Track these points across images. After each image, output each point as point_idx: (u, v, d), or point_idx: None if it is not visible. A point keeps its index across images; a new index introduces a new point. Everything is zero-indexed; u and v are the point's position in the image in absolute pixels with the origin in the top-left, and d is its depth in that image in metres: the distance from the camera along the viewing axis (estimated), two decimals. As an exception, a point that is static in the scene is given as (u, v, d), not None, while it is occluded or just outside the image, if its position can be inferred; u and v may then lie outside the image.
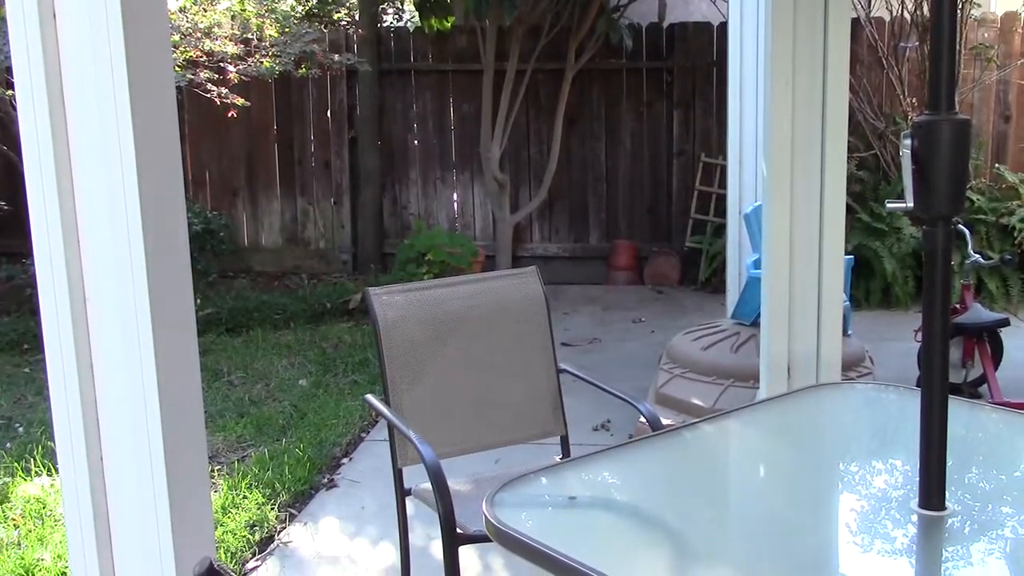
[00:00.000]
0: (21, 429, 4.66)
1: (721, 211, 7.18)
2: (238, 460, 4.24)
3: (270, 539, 3.58)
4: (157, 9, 1.95)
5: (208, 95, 6.66)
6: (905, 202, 1.60)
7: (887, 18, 7.33)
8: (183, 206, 2.04)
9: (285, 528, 3.66)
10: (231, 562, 3.37)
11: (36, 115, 1.90)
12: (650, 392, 4.66)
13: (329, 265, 8.26)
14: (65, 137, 1.91)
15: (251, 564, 3.40)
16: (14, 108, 2.04)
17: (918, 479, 1.63)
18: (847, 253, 3.45)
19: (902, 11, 7.19)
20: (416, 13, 7.87)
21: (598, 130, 8.02)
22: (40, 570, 3.30)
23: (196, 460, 2.10)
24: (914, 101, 7.23)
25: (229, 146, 8.21)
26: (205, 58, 6.58)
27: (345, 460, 4.32)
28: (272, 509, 3.74)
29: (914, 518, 1.64)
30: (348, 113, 8.12)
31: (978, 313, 4.89)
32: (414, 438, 2.48)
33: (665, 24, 7.65)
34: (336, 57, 7.29)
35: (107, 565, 2.06)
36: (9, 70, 2.10)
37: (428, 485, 2.48)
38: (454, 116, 8.13)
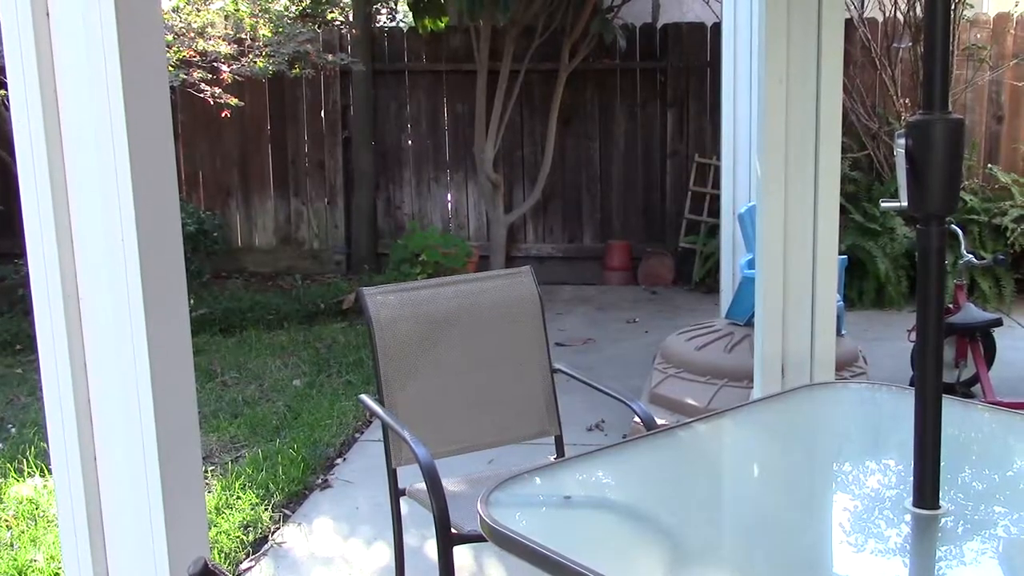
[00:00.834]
0: (14, 430, 4.65)
1: (715, 211, 7.18)
2: (232, 460, 4.23)
3: (264, 540, 3.57)
4: (151, 8, 1.94)
5: (202, 95, 6.65)
6: (899, 201, 1.60)
7: (880, 19, 7.35)
8: (177, 206, 2.04)
9: (279, 529, 3.66)
10: (225, 563, 3.36)
11: (29, 114, 1.90)
12: (644, 392, 4.66)
13: (323, 265, 8.25)
14: (58, 137, 1.91)
15: (245, 565, 3.39)
16: (7, 108, 2.03)
17: (912, 478, 1.64)
18: (840, 253, 3.45)
19: (895, 12, 7.20)
20: (410, 13, 7.87)
21: (592, 130, 8.02)
22: (33, 571, 3.29)
23: (190, 461, 2.10)
24: (907, 101, 7.25)
25: (223, 146, 8.20)
26: (199, 58, 6.57)
27: (339, 460, 4.32)
28: (266, 510, 3.74)
29: (908, 517, 1.65)
30: (342, 113, 8.12)
31: (971, 313, 4.90)
32: (408, 438, 2.48)
33: (659, 24, 7.66)
34: (330, 57, 7.29)
35: (100, 566, 2.06)
36: (2, 70, 2.09)
37: (422, 485, 2.48)
38: (448, 116, 8.13)
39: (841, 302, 4.28)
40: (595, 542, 1.63)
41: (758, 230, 3.14)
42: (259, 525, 3.63)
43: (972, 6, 7.45)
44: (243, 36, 6.98)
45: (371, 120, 8.06)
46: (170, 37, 6.35)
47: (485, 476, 2.87)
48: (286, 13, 7.71)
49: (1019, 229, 6.88)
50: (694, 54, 7.83)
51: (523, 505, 1.74)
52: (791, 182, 2.98)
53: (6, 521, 3.66)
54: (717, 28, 6.82)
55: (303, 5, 8.29)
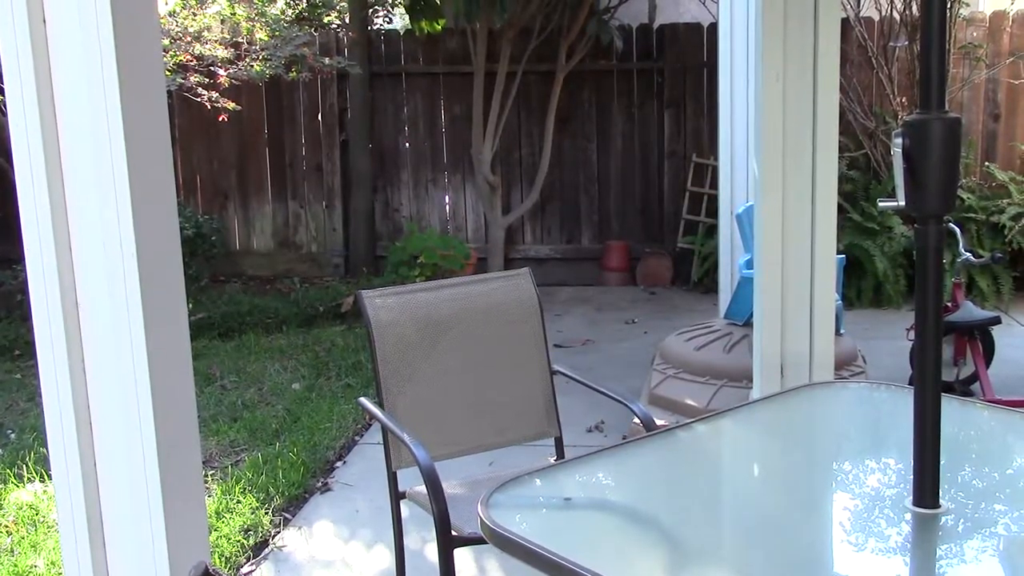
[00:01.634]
0: (13, 435, 4.64)
1: (713, 211, 7.19)
2: (232, 464, 4.23)
3: (264, 543, 3.57)
4: (147, 13, 1.94)
5: (199, 99, 6.65)
6: (897, 200, 1.60)
7: (876, 18, 7.36)
8: (175, 210, 2.04)
9: (279, 532, 3.66)
10: (226, 567, 3.36)
11: (27, 120, 1.90)
12: (643, 393, 4.66)
13: (321, 268, 8.25)
14: (56, 142, 1.91)
15: (246, 569, 3.39)
16: (4, 114, 2.03)
17: (912, 477, 1.64)
18: (839, 252, 3.46)
19: (891, 11, 7.21)
20: (406, 16, 7.87)
21: (589, 131, 8.03)
22: (33, 577, 3.29)
23: (190, 465, 2.10)
24: (904, 100, 7.25)
25: (220, 150, 8.20)
26: (195, 62, 6.57)
27: (339, 463, 4.32)
28: (266, 513, 3.74)
29: (908, 516, 1.65)
30: (339, 116, 8.12)
31: (970, 311, 4.90)
32: (408, 440, 2.48)
33: (655, 25, 7.66)
34: (327, 60, 7.29)
35: (101, 571, 2.06)
36: (-1, 76, 2.09)
37: (422, 488, 2.48)
38: (445, 118, 8.13)
39: (840, 301, 4.28)
40: (595, 543, 1.63)
41: (756, 230, 3.14)
42: (259, 529, 3.63)
43: (968, 4, 7.46)
44: (240, 40, 6.97)
45: (368, 123, 8.06)
46: (167, 41, 6.35)
47: (485, 478, 2.87)
48: (282, 17, 7.70)
49: (1017, 227, 6.89)
50: (691, 54, 7.84)
51: (523, 507, 1.74)
52: (789, 182, 2.98)
53: (6, 527, 3.65)
54: (714, 28, 6.82)
55: (299, 8, 8.28)
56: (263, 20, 7.05)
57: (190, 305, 6.42)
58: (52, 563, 3.33)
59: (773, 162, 2.98)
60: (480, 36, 7.47)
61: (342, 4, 8.47)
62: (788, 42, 2.91)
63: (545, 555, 1.48)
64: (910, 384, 1.69)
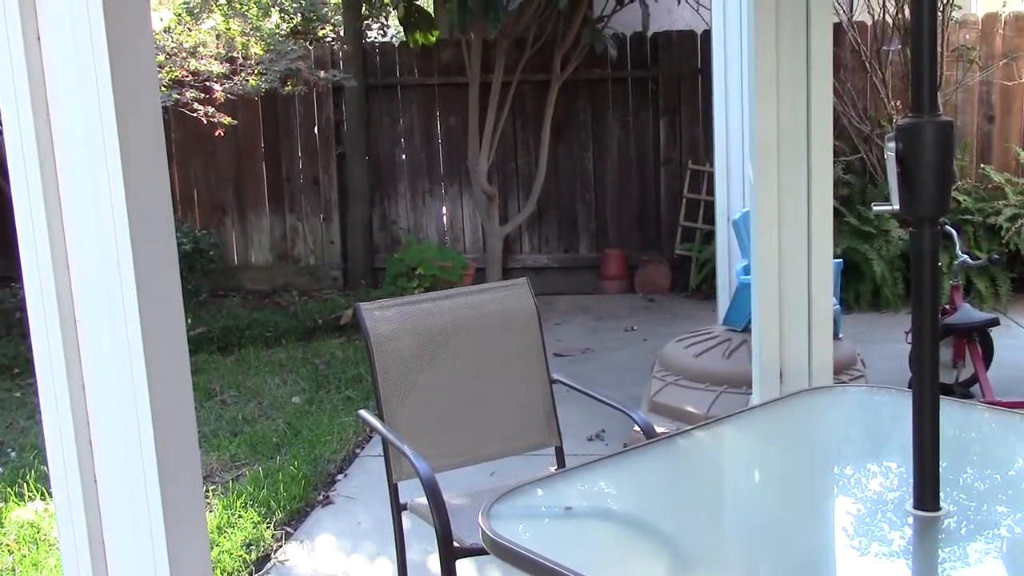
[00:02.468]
0: (13, 454, 4.64)
1: (710, 218, 7.20)
2: (232, 479, 4.23)
3: (267, 558, 3.57)
4: (142, 29, 1.95)
5: (195, 114, 6.66)
6: (891, 204, 1.61)
7: (869, 22, 7.38)
8: (172, 226, 2.04)
9: (281, 546, 3.65)
10: (228, 582, 3.35)
11: (23, 137, 1.90)
12: (644, 400, 4.66)
13: (320, 281, 8.25)
14: (52, 159, 1.91)
15: (248, 583, 3.38)
16: (0, 132, 2.03)
17: (912, 480, 1.64)
18: (836, 256, 3.45)
19: (884, 15, 7.23)
20: (401, 28, 7.89)
21: (585, 140, 8.04)
22: (35, 595, 3.28)
23: (190, 480, 2.10)
24: (898, 104, 7.27)
25: (217, 165, 8.20)
26: (191, 77, 6.58)
27: (340, 476, 4.31)
28: (268, 528, 3.73)
29: (910, 520, 1.65)
30: (335, 129, 8.13)
31: (968, 313, 4.90)
32: (409, 452, 2.47)
33: (649, 33, 7.68)
34: (322, 73, 7.30)
35: (103, 588, 2.05)
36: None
37: (424, 499, 2.47)
38: (441, 129, 8.14)
39: (838, 305, 4.28)
40: (598, 552, 1.63)
41: (752, 236, 3.14)
42: (261, 543, 3.62)
43: (960, 7, 7.48)
44: (235, 55, 6.99)
45: (365, 135, 8.07)
46: (162, 57, 6.37)
47: (486, 489, 2.86)
48: (277, 31, 7.73)
49: (1013, 228, 6.90)
50: (685, 62, 7.86)
51: (525, 517, 1.74)
52: (784, 187, 2.98)
53: (7, 545, 3.64)
54: (707, 35, 6.85)
55: (294, 22, 8.31)
56: (258, 35, 7.07)
57: (189, 320, 6.43)
58: (54, 581, 3.33)
59: (768, 167, 2.98)
60: (474, 47, 7.49)
61: (336, 17, 8.50)
62: (781, 48, 2.92)
63: (547, 565, 1.47)
64: (910, 387, 1.69)
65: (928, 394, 1.60)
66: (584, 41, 7.32)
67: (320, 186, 8.20)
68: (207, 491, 4.07)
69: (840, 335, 4.47)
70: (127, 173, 1.88)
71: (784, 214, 2.99)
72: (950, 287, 5.12)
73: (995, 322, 4.82)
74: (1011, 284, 6.92)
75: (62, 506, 2.03)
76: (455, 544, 2.42)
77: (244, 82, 6.73)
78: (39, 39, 1.88)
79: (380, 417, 2.70)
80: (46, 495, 4.01)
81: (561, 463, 2.96)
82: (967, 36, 7.41)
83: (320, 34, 8.55)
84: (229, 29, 7.02)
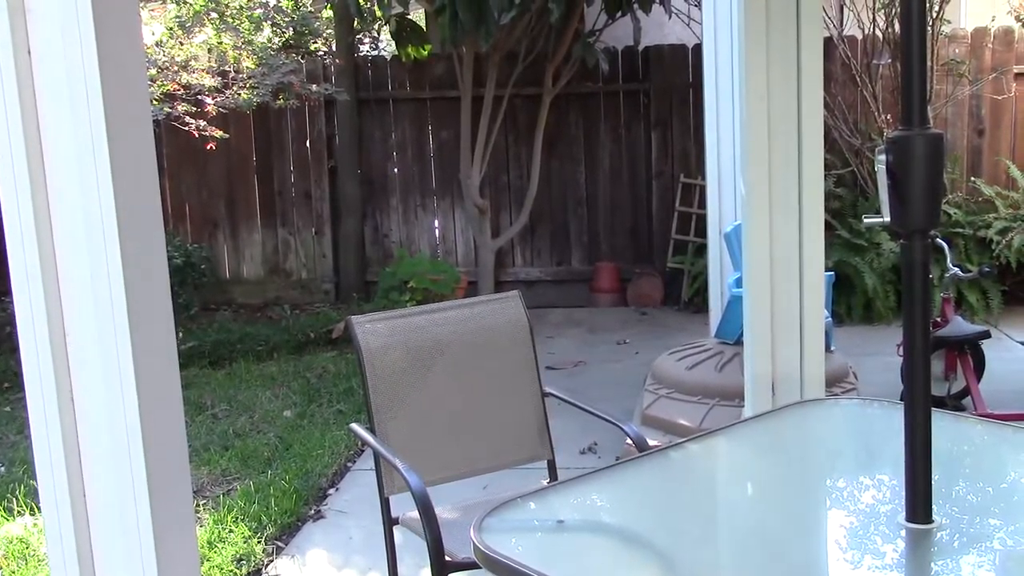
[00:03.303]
0: (2, 468, 4.61)
1: (702, 231, 7.20)
2: (223, 493, 4.20)
3: (257, 573, 3.55)
4: (132, 42, 1.95)
5: (186, 128, 6.66)
6: (882, 217, 1.61)
7: (859, 36, 7.41)
8: (162, 240, 2.04)
9: (272, 561, 3.63)
10: (218, 597, 3.33)
11: (12, 149, 1.90)
12: (636, 413, 4.65)
13: (311, 295, 8.24)
14: (42, 173, 1.91)
15: (239, 599, 3.36)
16: (-10, 145, 2.02)
17: (904, 493, 1.63)
18: (827, 269, 3.46)
19: (874, 29, 7.27)
20: (393, 42, 7.90)
21: (577, 153, 8.05)
22: (24, 612, 3.25)
23: (180, 495, 2.08)
24: (889, 117, 7.30)
25: (209, 178, 8.20)
26: (183, 91, 6.58)
27: (332, 491, 4.29)
28: (259, 542, 3.71)
29: (902, 532, 1.64)
30: (327, 143, 8.13)
31: (959, 326, 4.91)
32: (400, 466, 2.46)
33: (640, 47, 7.71)
34: (314, 87, 7.31)
35: (92, 604, 2.04)
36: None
37: (415, 513, 2.47)
38: (433, 143, 8.15)
39: (829, 318, 4.29)
40: (590, 565, 1.63)
41: (744, 249, 3.14)
42: (252, 558, 3.60)
43: (950, 21, 7.53)
44: (227, 68, 6.99)
45: (357, 149, 8.07)
46: (154, 71, 6.37)
47: (478, 502, 2.85)
48: (269, 45, 7.73)
49: (1003, 241, 6.92)
50: (676, 75, 7.88)
51: (517, 530, 1.73)
52: (775, 200, 2.99)
53: (-4, 561, 3.62)
54: (698, 49, 6.87)
55: (286, 36, 8.32)
56: (250, 48, 7.07)
57: (180, 334, 6.41)
58: (43, 597, 3.30)
59: (759, 181, 2.99)
60: (466, 61, 7.51)
61: (328, 31, 8.51)
62: (771, 62, 2.93)
63: (539, 579, 1.47)
64: (901, 400, 1.69)
65: (920, 407, 1.60)
66: (576, 55, 7.34)
67: (312, 200, 8.19)
68: (198, 505, 4.04)
69: (832, 348, 4.48)
70: (117, 186, 1.88)
71: (775, 227, 2.99)
72: (941, 300, 5.14)
73: (986, 335, 4.83)
74: (1002, 297, 6.94)
75: (51, 521, 2.02)
76: (447, 558, 2.41)
77: (236, 96, 6.73)
78: (29, 52, 1.88)
79: (372, 431, 2.69)
80: (35, 510, 3.98)
81: (553, 476, 2.95)
82: (956, 50, 7.45)
83: (312, 48, 8.56)
84: (221, 43, 7.03)
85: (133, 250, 1.92)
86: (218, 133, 6.75)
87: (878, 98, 7.33)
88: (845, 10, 7.41)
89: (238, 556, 3.59)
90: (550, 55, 7.52)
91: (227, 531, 3.78)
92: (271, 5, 8.04)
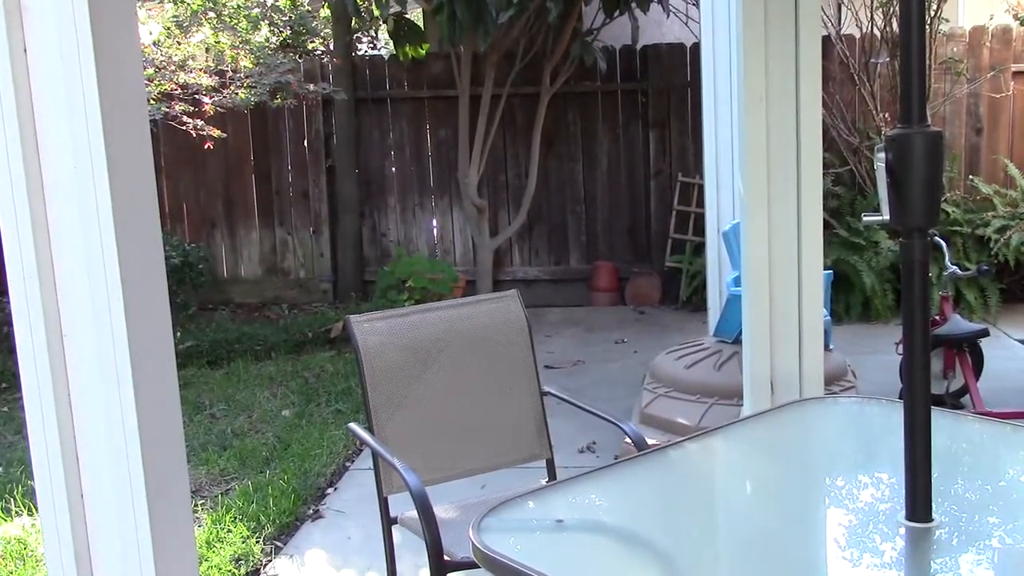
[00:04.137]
0: (0, 469, 4.60)
1: (700, 230, 7.20)
2: (222, 493, 4.20)
3: (256, 573, 3.54)
4: (129, 41, 1.94)
5: (184, 127, 6.65)
6: (881, 215, 1.61)
7: (857, 35, 7.41)
8: (159, 239, 2.03)
9: (271, 561, 3.63)
10: (217, 597, 3.33)
11: (8, 149, 1.89)
12: (635, 412, 4.65)
13: (309, 294, 8.23)
14: (38, 171, 1.90)
15: (237, 599, 3.36)
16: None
17: (904, 491, 1.63)
18: (826, 268, 3.46)
19: (872, 28, 7.27)
20: (391, 41, 7.90)
21: (575, 152, 8.05)
22: (22, 612, 3.25)
23: (178, 495, 2.08)
24: (887, 116, 7.30)
25: (206, 178, 8.19)
26: (180, 91, 6.57)
27: (330, 490, 4.29)
28: (257, 542, 3.71)
29: (902, 531, 1.64)
30: (325, 142, 8.12)
31: (958, 324, 4.91)
32: (399, 466, 2.46)
33: (638, 46, 7.71)
34: (311, 87, 7.30)
35: (90, 605, 2.03)
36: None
37: (414, 513, 2.46)
38: (431, 142, 8.14)
39: (828, 317, 4.29)
40: (588, 565, 1.62)
41: (742, 248, 3.14)
42: (250, 558, 3.60)
43: (948, 20, 7.52)
44: (224, 68, 6.98)
45: (354, 148, 8.06)
46: (151, 71, 6.36)
47: (477, 502, 2.85)
48: (267, 44, 7.72)
49: (1002, 239, 6.93)
50: (674, 74, 7.88)
51: (515, 530, 1.73)
52: (774, 199, 2.99)
53: (-6, 562, 3.61)
54: (696, 48, 6.87)
55: (284, 36, 8.31)
56: (247, 48, 7.07)
57: (178, 334, 6.40)
58: (41, 598, 3.30)
59: (758, 180, 2.99)
60: (464, 60, 7.50)
61: (326, 31, 8.50)
62: (770, 61, 2.93)
63: (538, 578, 1.46)
64: (900, 398, 1.69)
65: (919, 405, 1.60)
66: (574, 54, 7.33)
67: (310, 199, 8.18)
68: (196, 505, 4.04)
69: (831, 346, 4.47)
70: (114, 185, 1.87)
71: (774, 226, 2.99)
72: (940, 298, 5.14)
73: (985, 333, 4.83)
74: (1000, 295, 6.95)
75: (49, 521, 2.01)
76: (446, 558, 2.40)
77: (233, 95, 6.72)
78: (25, 51, 1.87)
79: (370, 430, 2.68)
80: (33, 510, 3.97)
81: (552, 475, 2.95)
82: (955, 49, 7.45)
83: (310, 47, 8.55)
84: (219, 42, 7.02)
85: (130, 250, 1.91)
86: (216, 132, 6.74)
87: (876, 97, 7.33)
88: (843, 9, 7.41)
89: (236, 556, 3.59)
90: (548, 54, 7.51)
91: (225, 531, 3.78)
92: (268, 4, 8.03)
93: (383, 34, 8.94)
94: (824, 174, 3.40)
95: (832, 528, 1.78)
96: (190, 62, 6.72)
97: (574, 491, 1.90)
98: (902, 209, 1.57)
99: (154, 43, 6.68)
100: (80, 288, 1.92)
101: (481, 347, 2.87)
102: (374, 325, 2.74)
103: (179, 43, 6.75)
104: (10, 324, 1.98)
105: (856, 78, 7.40)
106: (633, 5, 7.00)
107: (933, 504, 1.62)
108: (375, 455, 2.68)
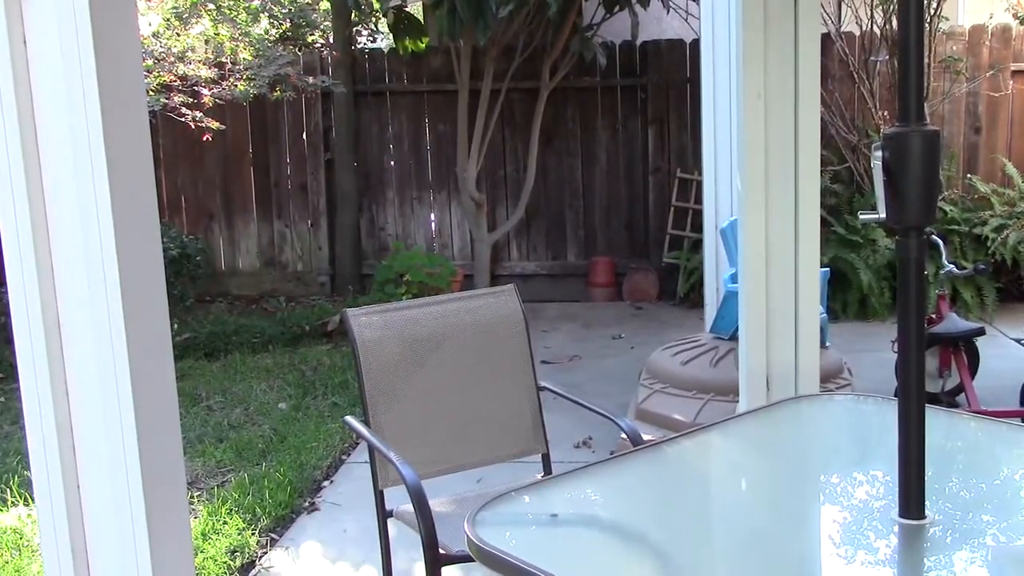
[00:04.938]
0: (-3, 459, 4.61)
1: (698, 226, 7.21)
2: (218, 485, 4.20)
3: (251, 565, 3.55)
4: (129, 33, 1.94)
5: (183, 119, 6.64)
6: (878, 213, 1.61)
7: (857, 33, 7.41)
8: (158, 231, 2.03)
9: (267, 553, 3.63)
10: (212, 589, 3.33)
11: (7, 140, 1.89)
12: (631, 408, 4.66)
13: (307, 287, 8.23)
14: (37, 163, 1.90)
15: (232, 591, 3.36)
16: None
17: (898, 489, 1.64)
18: (823, 265, 3.46)
19: (871, 25, 7.27)
20: (390, 34, 7.89)
21: (574, 148, 8.05)
22: (17, 602, 3.25)
23: (174, 486, 2.08)
24: (885, 114, 7.30)
25: (205, 170, 8.18)
26: (179, 82, 6.57)
27: (326, 483, 4.29)
28: (253, 534, 3.71)
29: (895, 528, 1.65)
30: (324, 135, 8.12)
31: (954, 323, 4.92)
32: (395, 459, 2.47)
33: (638, 42, 7.70)
34: (311, 79, 7.30)
35: (85, 595, 2.04)
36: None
37: (410, 506, 2.47)
38: (430, 136, 8.14)
39: (824, 314, 4.29)
40: (583, 559, 1.63)
41: (740, 244, 3.15)
42: (246, 550, 3.60)
43: (947, 19, 7.53)
44: (224, 60, 6.98)
45: (353, 141, 8.06)
46: (150, 62, 6.35)
47: (473, 496, 2.86)
48: (266, 36, 7.72)
49: (999, 238, 6.94)
50: (674, 71, 7.88)
51: (511, 524, 1.74)
52: (772, 196, 2.99)
53: (-10, 552, 3.62)
54: (696, 45, 6.87)
55: (283, 28, 8.30)
56: (247, 40, 7.06)
57: (175, 326, 6.40)
58: (36, 588, 3.30)
59: (756, 177, 2.99)
60: (464, 54, 7.50)
61: (326, 24, 8.49)
62: (769, 58, 2.93)
63: (533, 572, 1.47)
64: (896, 396, 1.70)
65: (914, 403, 1.60)
66: (573, 49, 7.33)
67: (308, 192, 8.18)
68: (192, 497, 4.04)
69: (827, 344, 4.48)
70: (112, 177, 1.87)
71: (771, 223, 2.99)
72: (936, 297, 5.14)
73: (981, 332, 4.84)
74: (997, 294, 6.96)
75: (45, 512, 2.02)
76: (441, 551, 2.41)
77: (233, 87, 6.72)
78: (25, 42, 1.87)
79: (366, 424, 2.69)
80: (29, 500, 3.98)
81: (548, 470, 2.95)
82: (954, 47, 7.45)
83: (309, 40, 8.55)
84: (218, 34, 7.01)
85: (128, 241, 1.91)
86: (214, 125, 6.73)
87: (875, 95, 7.34)
88: (843, 6, 7.41)
89: (232, 548, 3.59)
90: (548, 49, 7.51)
91: (221, 523, 3.79)
92: (268, -3, 8.01)
93: (383, 27, 8.93)
94: (822, 172, 3.40)
95: (826, 524, 1.79)
96: (189, 54, 6.71)
97: (570, 486, 1.91)
98: (898, 207, 1.58)
99: (153, 34, 6.67)
100: (78, 278, 1.92)
101: (478, 342, 2.87)
102: (371, 319, 2.74)
103: (178, 35, 6.74)
104: (7, 314, 1.98)
105: (855, 76, 7.40)
106: (633, 1, 6.99)
107: (927, 502, 1.63)
108: (371, 448, 2.69)
